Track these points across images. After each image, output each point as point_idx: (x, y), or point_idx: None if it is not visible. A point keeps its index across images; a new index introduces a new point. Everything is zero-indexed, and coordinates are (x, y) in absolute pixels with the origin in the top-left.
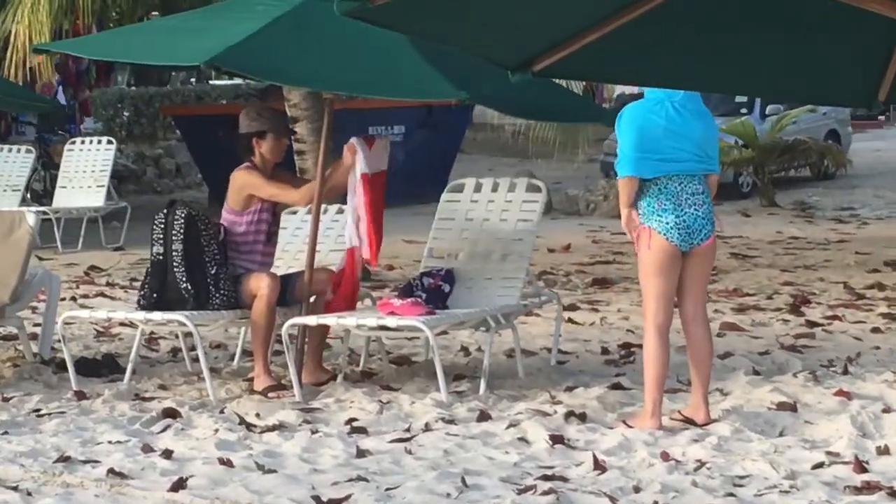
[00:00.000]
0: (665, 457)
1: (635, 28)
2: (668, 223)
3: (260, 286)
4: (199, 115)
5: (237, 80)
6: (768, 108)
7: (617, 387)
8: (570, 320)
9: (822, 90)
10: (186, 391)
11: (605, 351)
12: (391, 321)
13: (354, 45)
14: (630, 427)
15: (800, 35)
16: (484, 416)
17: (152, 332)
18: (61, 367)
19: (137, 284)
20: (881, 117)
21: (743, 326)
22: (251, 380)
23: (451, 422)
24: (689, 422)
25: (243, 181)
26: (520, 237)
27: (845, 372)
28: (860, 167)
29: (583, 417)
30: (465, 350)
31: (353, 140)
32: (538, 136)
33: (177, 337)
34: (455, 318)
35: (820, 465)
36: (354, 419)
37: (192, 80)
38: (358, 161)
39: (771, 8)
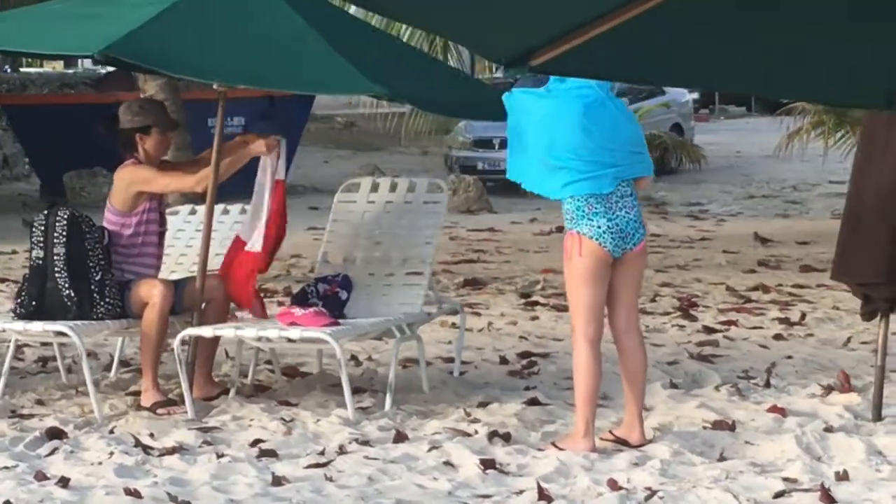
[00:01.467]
0: (613, 485)
1: (641, 24)
2: (599, 227)
3: (152, 294)
4: (31, 105)
5: (57, 68)
6: None
7: (533, 402)
8: (453, 325)
9: (838, 90)
10: (66, 406)
11: (503, 360)
12: (294, 333)
13: (259, 35)
14: (561, 449)
15: (816, 30)
16: (400, 437)
17: (17, 340)
18: None
19: None
20: (704, 111)
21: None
22: (136, 394)
23: (365, 443)
24: (622, 442)
25: (132, 177)
26: (421, 241)
27: (767, 385)
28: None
29: (507, 438)
30: (354, 359)
31: (275, 138)
32: (371, 127)
33: (43, 345)
34: (361, 328)
35: (781, 494)
36: (260, 440)
37: (7, 67)
38: (279, 164)
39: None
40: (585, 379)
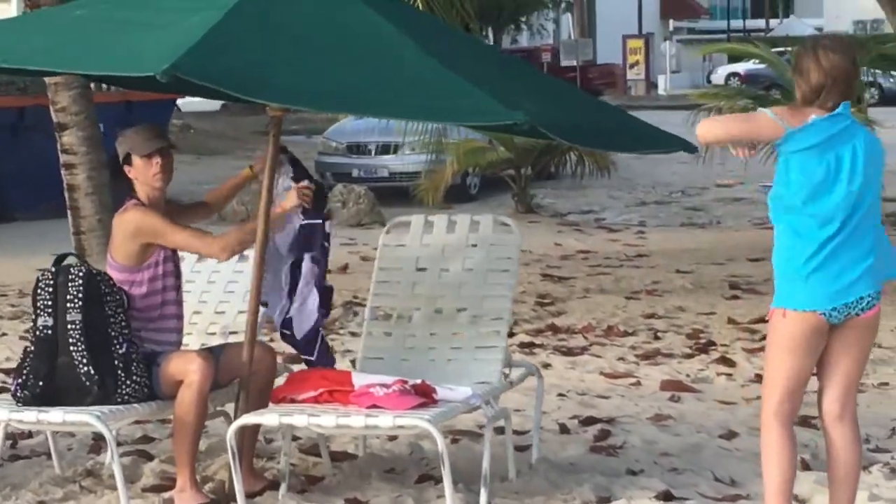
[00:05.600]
0: None
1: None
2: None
3: (188, 370)
4: None
5: None
6: None
7: (668, 497)
8: None
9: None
10: None
11: (564, 429)
12: (385, 420)
13: (351, 46)
14: None
15: None
16: None
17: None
18: None
19: None
20: None
21: (691, 386)
22: (159, 488)
23: None
24: None
25: (137, 225)
26: (493, 292)
27: None
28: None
29: None
30: (390, 439)
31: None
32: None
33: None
34: (454, 409)
35: None
36: None
37: None
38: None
39: None
40: (779, 466)
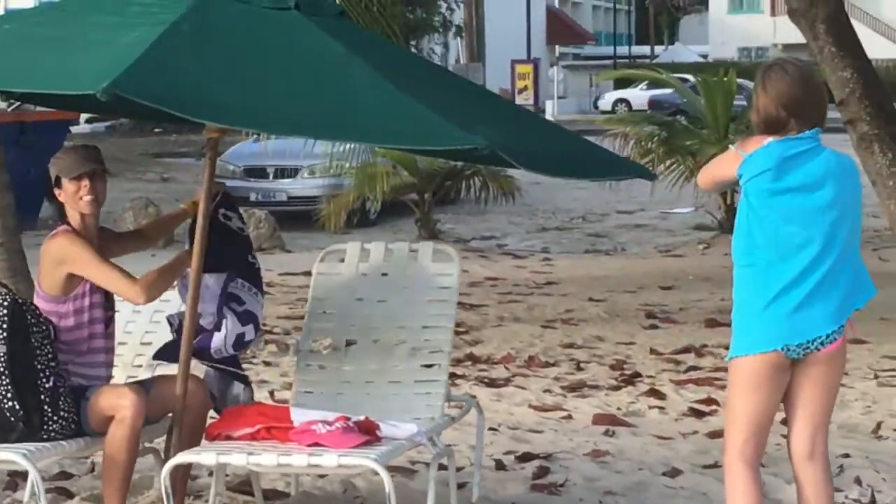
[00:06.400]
0: None
1: None
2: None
3: (120, 405)
4: None
5: None
6: None
7: None
8: None
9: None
10: None
11: (500, 465)
12: (329, 459)
13: (298, 66)
14: None
15: None
16: None
17: None
18: None
19: None
20: None
21: (624, 420)
22: None
23: None
24: None
25: (63, 252)
26: (433, 323)
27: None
28: None
29: None
30: (320, 476)
31: None
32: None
33: None
34: (400, 447)
35: None
36: None
37: None
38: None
39: None
40: None
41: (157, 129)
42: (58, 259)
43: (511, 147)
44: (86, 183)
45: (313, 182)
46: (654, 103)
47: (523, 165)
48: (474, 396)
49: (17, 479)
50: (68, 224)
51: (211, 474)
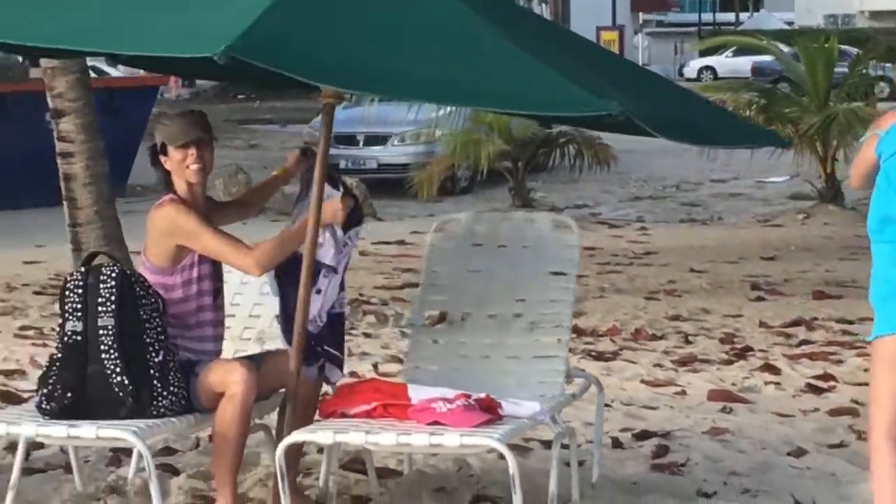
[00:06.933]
0: None
1: None
2: None
3: (230, 381)
4: None
5: None
6: None
7: None
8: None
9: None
10: None
11: (616, 443)
12: (450, 438)
13: (423, 29)
14: None
15: None
16: None
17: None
18: None
19: None
20: None
21: (741, 396)
22: None
23: None
24: None
25: (171, 222)
26: (554, 296)
27: None
28: None
29: None
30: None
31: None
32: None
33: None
34: (523, 426)
35: None
36: None
37: None
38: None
39: None
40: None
41: (239, 96)
42: (166, 230)
43: (645, 113)
44: (192, 151)
45: (403, 149)
46: (756, 70)
47: (658, 132)
48: (581, 370)
49: (120, 454)
50: (175, 193)
51: (320, 451)
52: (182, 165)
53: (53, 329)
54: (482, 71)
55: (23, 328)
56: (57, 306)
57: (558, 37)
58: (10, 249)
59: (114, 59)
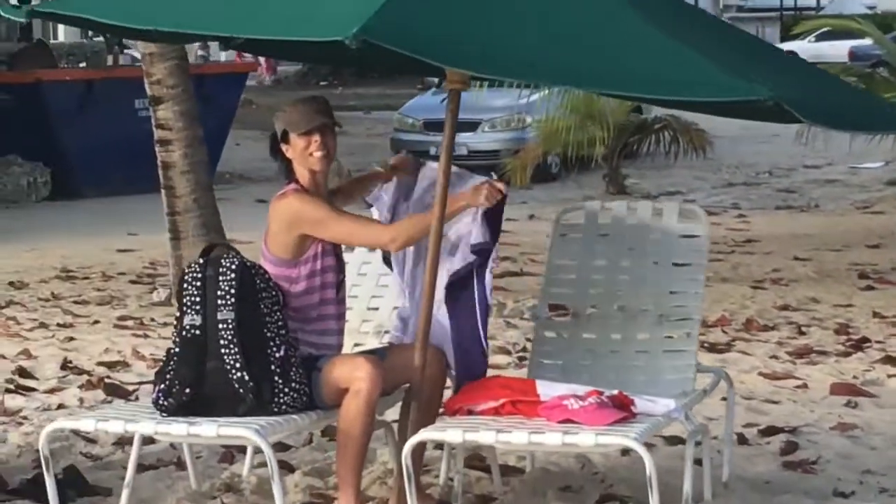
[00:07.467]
0: None
1: None
2: None
3: (355, 377)
4: None
5: None
6: None
7: None
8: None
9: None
10: None
11: (742, 440)
12: (585, 437)
13: (558, 11)
14: None
15: None
16: None
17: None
18: None
19: None
20: None
21: (865, 390)
22: None
23: None
24: None
25: (297, 212)
26: (683, 288)
27: None
28: None
29: None
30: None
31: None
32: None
33: None
34: (658, 424)
35: None
36: None
37: None
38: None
39: None
40: None
41: (322, 83)
42: (289, 220)
43: (794, 98)
44: (316, 138)
45: (493, 136)
46: (854, 54)
47: (807, 118)
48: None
49: (233, 451)
50: (297, 182)
51: (438, 447)
52: (305, 153)
53: (153, 319)
54: (624, 54)
55: (122, 318)
56: (154, 296)
57: (704, 20)
58: (103, 237)
59: (226, 44)
